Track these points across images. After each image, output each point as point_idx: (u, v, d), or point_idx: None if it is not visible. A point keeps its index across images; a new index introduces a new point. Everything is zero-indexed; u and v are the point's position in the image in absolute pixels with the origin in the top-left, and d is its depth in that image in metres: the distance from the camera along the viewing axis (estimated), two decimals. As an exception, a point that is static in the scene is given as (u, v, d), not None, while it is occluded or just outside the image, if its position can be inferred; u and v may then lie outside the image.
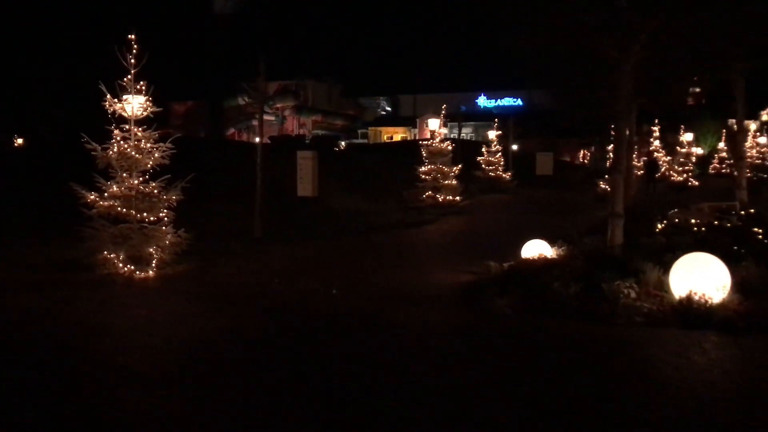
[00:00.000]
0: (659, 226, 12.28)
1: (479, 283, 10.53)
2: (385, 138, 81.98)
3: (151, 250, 12.18)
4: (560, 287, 9.45)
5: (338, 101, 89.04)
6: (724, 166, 46.63)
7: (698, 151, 52.39)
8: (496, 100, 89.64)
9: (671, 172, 34.01)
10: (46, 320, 8.86)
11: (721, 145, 47.38)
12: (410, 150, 37.01)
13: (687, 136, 39.65)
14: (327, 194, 23.61)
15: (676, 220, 12.54)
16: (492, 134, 33.68)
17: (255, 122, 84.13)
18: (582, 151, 60.49)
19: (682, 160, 35.66)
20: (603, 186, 26.40)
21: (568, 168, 48.62)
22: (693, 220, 12.07)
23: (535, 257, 11.07)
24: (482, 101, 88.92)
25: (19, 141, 42.24)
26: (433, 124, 23.27)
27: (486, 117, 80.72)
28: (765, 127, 67.29)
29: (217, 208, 18.73)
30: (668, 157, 39.97)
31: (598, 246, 11.03)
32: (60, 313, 9.16)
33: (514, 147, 36.62)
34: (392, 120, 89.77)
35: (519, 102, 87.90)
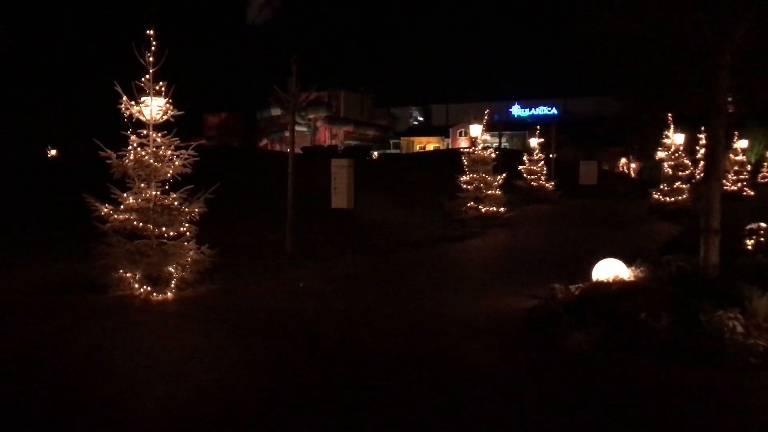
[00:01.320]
0: (749, 242, 10.55)
1: (546, 311, 8.90)
2: (418, 148, 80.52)
3: (171, 268, 10.78)
4: (648, 318, 7.80)
5: (370, 111, 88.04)
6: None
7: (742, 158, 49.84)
8: (530, 109, 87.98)
9: (723, 181, 31.90)
10: (41, 353, 7.49)
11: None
12: (447, 159, 35.48)
13: (741, 143, 37.38)
14: (362, 206, 22.13)
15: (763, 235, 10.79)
16: (534, 142, 31.91)
17: (287, 133, 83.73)
18: (623, 160, 58.28)
19: (736, 168, 33.51)
20: (656, 196, 24.58)
21: (612, 177, 46.47)
22: (789, 236, 10.35)
23: (610, 279, 9.40)
24: (516, 110, 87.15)
25: (53, 152, 41.61)
26: (475, 130, 21.66)
27: (520, 126, 78.92)
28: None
29: (246, 222, 17.34)
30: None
31: (684, 267, 9.33)
32: (57, 346, 7.77)
33: (551, 156, 34.79)
34: (425, 130, 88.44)
35: (554, 111, 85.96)
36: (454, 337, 8.30)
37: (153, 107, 10.99)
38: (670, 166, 24.55)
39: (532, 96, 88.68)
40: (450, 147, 73.92)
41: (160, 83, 10.96)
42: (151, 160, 10.88)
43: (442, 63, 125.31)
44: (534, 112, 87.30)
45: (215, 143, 68.70)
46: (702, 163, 35.45)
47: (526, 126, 75.62)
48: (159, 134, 11.06)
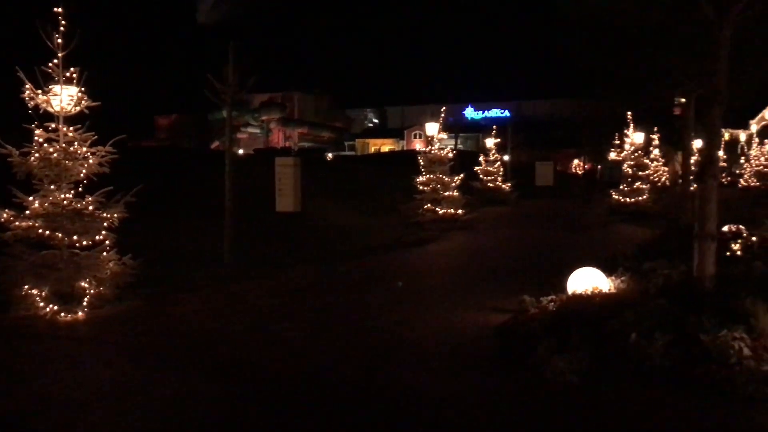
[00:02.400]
0: (735, 246, 9.47)
1: (518, 329, 7.61)
2: (373, 150, 79.23)
3: (84, 283, 9.18)
4: (640, 339, 6.58)
5: (325, 113, 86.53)
6: (723, 175, 44.18)
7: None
8: (483, 112, 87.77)
9: (681, 181, 31.33)
10: None
11: (721, 153, 44.87)
12: (403, 160, 34.31)
13: (697, 143, 37.02)
14: (315, 209, 20.67)
15: (754, 238, 9.74)
16: (490, 142, 30.87)
17: (240, 135, 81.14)
18: (575, 161, 57.94)
19: (693, 169, 33.04)
20: (616, 197, 23.71)
21: (567, 178, 45.89)
22: (781, 239, 9.34)
23: (588, 292, 8.18)
24: (469, 112, 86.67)
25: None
26: (431, 128, 20.40)
27: (474, 128, 78.30)
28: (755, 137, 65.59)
29: (184, 228, 15.66)
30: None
31: (672, 276, 8.17)
32: None
33: (506, 157, 33.86)
34: (380, 132, 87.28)
35: (507, 113, 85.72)
36: (414, 365, 6.94)
37: (63, 97, 9.38)
38: (630, 166, 23.73)
39: (486, 98, 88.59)
40: (405, 149, 72.86)
41: (71, 69, 9.36)
42: (61, 158, 9.27)
43: (398, 65, 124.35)
44: (487, 114, 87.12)
45: (165, 145, 66.17)
46: (655, 163, 35.10)
47: (480, 128, 75.28)
48: (71, 128, 9.46)
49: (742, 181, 37.40)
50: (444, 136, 20.71)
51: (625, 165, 23.90)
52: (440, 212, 19.64)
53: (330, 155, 57.60)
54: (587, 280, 8.40)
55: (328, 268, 13.05)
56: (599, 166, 41.57)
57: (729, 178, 38.48)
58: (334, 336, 8.05)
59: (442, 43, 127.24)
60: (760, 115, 74.63)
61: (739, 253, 9.19)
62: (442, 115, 20.73)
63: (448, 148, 20.71)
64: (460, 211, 20.16)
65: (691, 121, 14.08)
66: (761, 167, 35.76)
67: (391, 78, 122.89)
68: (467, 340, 7.76)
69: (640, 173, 23.69)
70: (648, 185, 23.91)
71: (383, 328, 8.39)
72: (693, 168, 32.83)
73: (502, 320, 8.24)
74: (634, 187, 23.48)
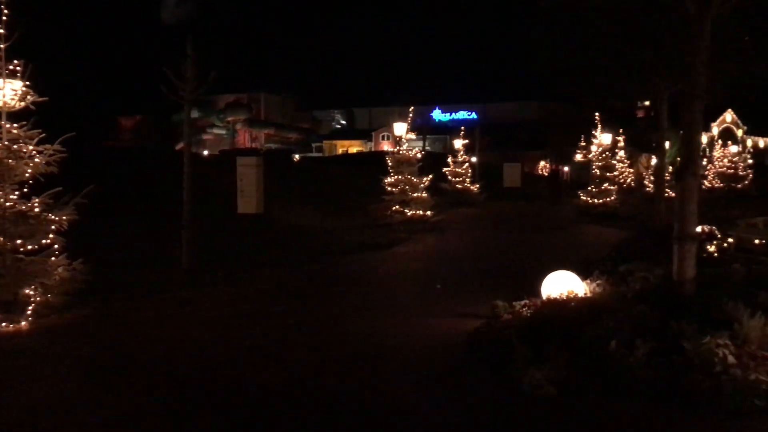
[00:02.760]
0: (711, 248, 9.22)
1: (491, 335, 7.23)
2: (341, 151, 78.68)
3: (29, 290, 8.54)
4: (620, 347, 6.23)
5: (292, 114, 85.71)
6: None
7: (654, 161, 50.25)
8: (450, 114, 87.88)
9: (646, 182, 31.49)
10: None
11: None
12: (371, 161, 33.94)
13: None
14: (279, 210, 20.12)
15: (730, 240, 9.50)
16: (458, 143, 30.60)
17: (205, 136, 79.85)
18: (542, 163, 58.14)
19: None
20: (584, 198, 23.58)
21: (535, 180, 45.90)
22: (757, 240, 9.08)
23: (564, 296, 7.83)
24: (437, 114, 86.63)
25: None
26: (399, 128, 19.99)
27: (441, 130, 78.24)
28: (716, 139, 66.70)
29: (139, 231, 14.98)
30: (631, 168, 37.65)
31: (649, 279, 7.86)
32: None
33: (473, 159, 33.58)
34: (348, 133, 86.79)
35: (474, 115, 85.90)
36: (384, 375, 6.50)
37: (6, 91, 8.73)
38: (597, 167, 23.61)
39: (453, 100, 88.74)
40: (373, 150, 72.53)
41: (15, 62, 8.71)
42: (4, 157, 8.62)
43: (365, 67, 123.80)
44: (454, 116, 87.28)
45: (128, 146, 64.71)
46: (621, 164, 35.17)
47: (447, 130, 75.39)
48: (15, 125, 8.82)
49: (705, 182, 37.72)
50: (412, 136, 20.31)
51: (593, 166, 23.76)
52: (409, 214, 19.23)
53: (297, 156, 56.93)
54: (562, 284, 8.05)
55: (293, 272, 12.54)
56: (566, 168, 41.59)
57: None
58: (300, 345, 7.56)
59: (409, 44, 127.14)
60: (720, 118, 76.07)
61: (715, 254, 8.93)
62: (410, 115, 20.33)
63: (417, 149, 20.32)
64: (428, 213, 19.78)
65: (663, 120, 13.88)
66: (724, 169, 36.14)
67: (359, 79, 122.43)
68: (440, 348, 7.34)
69: (607, 174, 23.59)
70: (615, 186, 23.82)
71: (352, 336, 7.92)
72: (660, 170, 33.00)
73: (475, 326, 7.85)
74: (602, 188, 23.37)
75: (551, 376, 5.96)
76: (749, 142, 45.50)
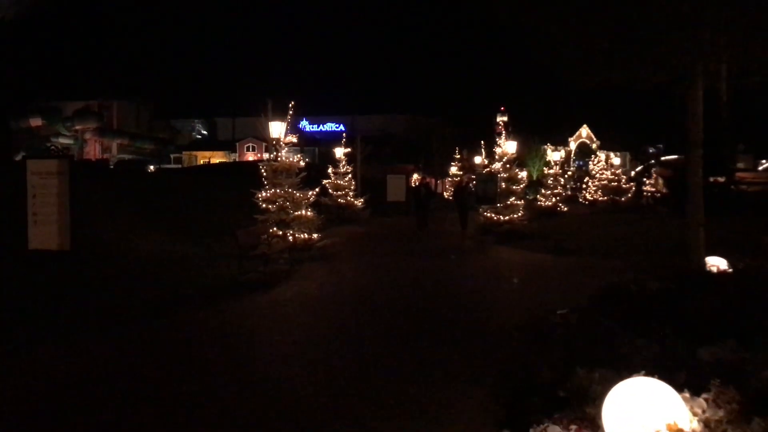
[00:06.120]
0: None
1: None
2: (202, 162, 72.08)
3: None
4: None
5: (148, 123, 77.95)
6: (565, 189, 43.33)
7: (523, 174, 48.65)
8: (318, 126, 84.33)
9: (539, 197, 28.76)
10: None
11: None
12: (239, 171, 29.01)
13: (554, 155, 35.15)
14: (120, 236, 14.82)
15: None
16: (339, 152, 26.31)
17: (50, 145, 70.19)
18: (415, 176, 55.15)
19: (550, 182, 30.65)
20: (488, 214, 20.07)
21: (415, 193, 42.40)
22: None
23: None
24: (304, 125, 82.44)
25: None
26: (277, 128, 15.36)
27: (310, 142, 74.02)
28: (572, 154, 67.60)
29: None
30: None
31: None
32: None
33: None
34: (209, 144, 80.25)
35: (342, 127, 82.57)
36: None
37: None
38: (503, 179, 20.18)
39: (320, 112, 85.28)
40: (238, 161, 66.90)
41: None
42: None
43: (227, 75, 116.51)
44: (323, 127, 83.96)
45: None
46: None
47: (315, 142, 71.75)
48: None
49: (587, 195, 36.02)
50: (293, 139, 15.78)
51: (499, 178, 20.26)
52: (290, 238, 14.66)
53: (152, 167, 50.29)
54: (647, 408, 3.90)
55: (117, 341, 7.62)
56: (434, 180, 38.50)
57: (569, 194, 36.99)
58: None
59: (275, 54, 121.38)
60: (577, 133, 77.80)
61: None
62: (291, 113, 15.81)
63: (298, 156, 15.83)
64: (314, 236, 15.33)
65: (698, 104, 10.25)
66: (605, 182, 34.48)
67: (221, 88, 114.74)
68: None
69: (513, 187, 20.23)
70: (522, 201, 20.53)
71: None
72: (551, 182, 30.47)
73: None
74: (508, 203, 19.99)
75: None
76: (602, 156, 45.41)
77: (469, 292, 11.07)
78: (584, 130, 76.94)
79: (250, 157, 69.24)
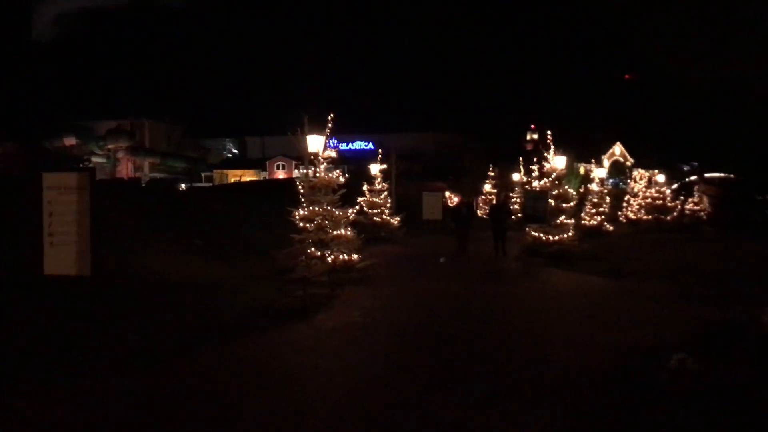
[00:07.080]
0: None
1: None
2: (233, 181, 71.70)
3: None
4: None
5: (179, 142, 78.09)
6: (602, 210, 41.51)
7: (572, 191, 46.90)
8: (348, 144, 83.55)
9: (582, 215, 27.27)
10: None
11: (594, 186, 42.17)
12: (271, 189, 28.01)
13: (599, 172, 33.59)
14: (147, 257, 13.84)
15: None
16: (375, 168, 25.20)
17: (85, 164, 70.35)
18: (447, 194, 53.87)
19: (595, 200, 29.06)
20: (536, 234, 18.71)
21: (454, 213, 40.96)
22: None
23: None
24: (335, 144, 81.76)
25: None
26: (315, 143, 14.31)
27: (339, 161, 73.33)
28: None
29: None
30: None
31: None
32: None
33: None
34: (240, 162, 79.99)
35: (371, 146, 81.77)
36: None
37: None
38: (552, 197, 18.83)
39: (349, 131, 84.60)
40: (269, 179, 66.36)
41: None
42: None
43: (257, 95, 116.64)
44: (352, 146, 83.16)
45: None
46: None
47: (345, 160, 70.97)
48: None
49: (630, 214, 34.29)
50: (333, 154, 14.71)
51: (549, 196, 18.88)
52: (329, 259, 13.51)
53: (183, 186, 49.78)
54: None
55: (150, 379, 6.51)
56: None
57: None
58: None
59: (302, 73, 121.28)
60: (610, 151, 75.91)
61: None
62: (330, 125, 14.76)
63: (337, 171, 14.73)
64: (354, 256, 14.15)
65: None
66: (650, 200, 32.73)
67: (251, 107, 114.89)
68: None
69: (563, 206, 18.86)
70: (572, 220, 19.14)
71: None
72: (596, 200, 28.95)
73: None
74: (558, 222, 18.63)
75: None
76: (643, 173, 43.68)
77: (528, 322, 9.78)
78: (617, 148, 75.11)
79: (280, 175, 68.66)
